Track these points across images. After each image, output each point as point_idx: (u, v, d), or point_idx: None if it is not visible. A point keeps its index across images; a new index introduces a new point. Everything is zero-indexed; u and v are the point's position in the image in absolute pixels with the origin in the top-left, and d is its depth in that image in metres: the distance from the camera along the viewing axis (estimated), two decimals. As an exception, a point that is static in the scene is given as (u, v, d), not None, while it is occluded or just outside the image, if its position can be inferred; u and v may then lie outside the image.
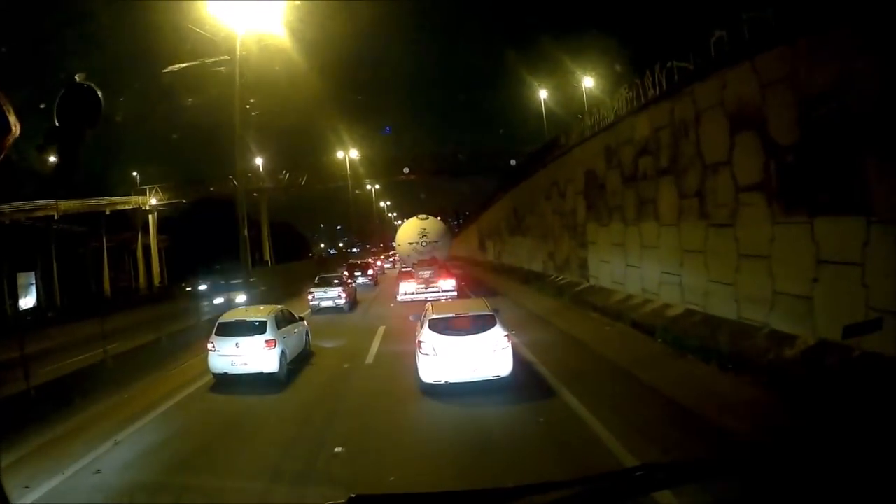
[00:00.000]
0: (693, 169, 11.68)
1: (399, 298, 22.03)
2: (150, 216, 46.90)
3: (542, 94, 36.18)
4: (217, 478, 6.60)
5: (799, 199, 8.68)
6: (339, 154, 46.27)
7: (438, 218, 29.04)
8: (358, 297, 25.01)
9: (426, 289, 21.79)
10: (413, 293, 21.81)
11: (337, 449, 6.66)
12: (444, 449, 7.01)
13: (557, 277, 23.02)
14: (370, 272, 35.54)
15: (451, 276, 23.06)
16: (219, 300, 23.96)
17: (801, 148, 8.56)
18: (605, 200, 17.24)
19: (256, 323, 10.74)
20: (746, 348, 9.13)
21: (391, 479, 6.05)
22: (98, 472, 6.90)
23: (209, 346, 10.59)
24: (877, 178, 7.12)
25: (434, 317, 9.44)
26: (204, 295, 26.93)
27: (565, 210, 21.97)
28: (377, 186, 62.82)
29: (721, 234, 10.74)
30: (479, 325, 9.20)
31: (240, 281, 25.03)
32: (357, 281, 29.00)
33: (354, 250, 78.66)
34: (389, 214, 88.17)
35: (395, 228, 43.04)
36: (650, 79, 13.28)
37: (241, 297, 22.41)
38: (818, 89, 8.03)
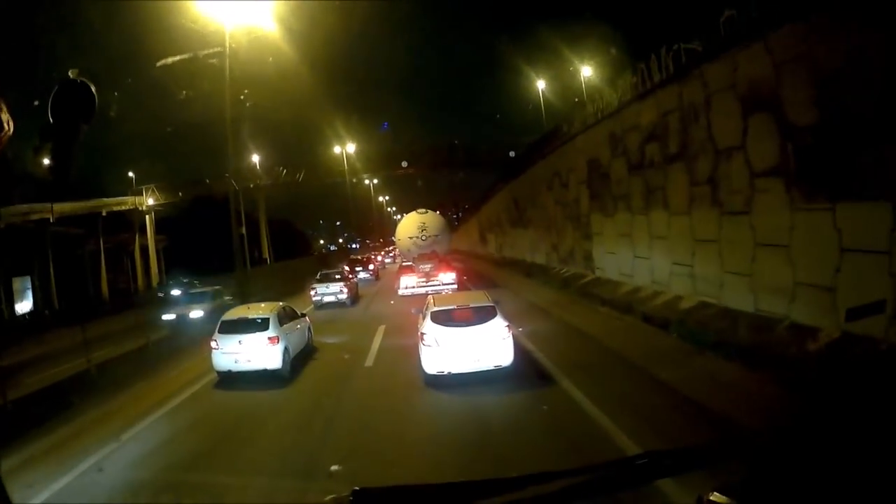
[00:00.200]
0: (704, 155, 11.22)
1: (400, 292, 22.21)
2: (146, 217, 46.52)
3: (540, 84, 36.08)
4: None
5: (819, 184, 8.27)
6: (337, 149, 45.90)
7: (438, 212, 29.13)
8: (360, 291, 25.16)
9: (427, 282, 21.97)
10: (414, 287, 22.04)
11: (333, 467, 6.32)
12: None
13: (561, 270, 22.63)
14: (371, 267, 36.18)
15: (452, 269, 23.20)
16: (169, 316, 19.50)
17: (820, 128, 8.13)
18: (609, 189, 16.79)
19: (259, 320, 10.85)
20: (768, 342, 8.71)
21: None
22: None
23: (212, 343, 10.64)
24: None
25: (436, 309, 9.56)
26: (175, 303, 22.19)
27: (568, 200, 21.54)
28: (376, 181, 62.44)
29: (736, 223, 10.30)
30: (480, 316, 9.33)
31: (213, 288, 21.53)
32: (358, 276, 29.48)
33: (354, 246, 78.37)
34: (389, 209, 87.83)
35: (395, 223, 42.88)
36: (656, 62, 12.77)
37: (196, 313, 18.96)
38: (837, 65, 7.59)
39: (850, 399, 6.32)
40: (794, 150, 8.69)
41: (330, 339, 14.25)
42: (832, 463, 1.94)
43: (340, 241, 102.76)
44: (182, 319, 18.87)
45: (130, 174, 46.50)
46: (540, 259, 26.81)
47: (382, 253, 57.06)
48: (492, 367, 8.96)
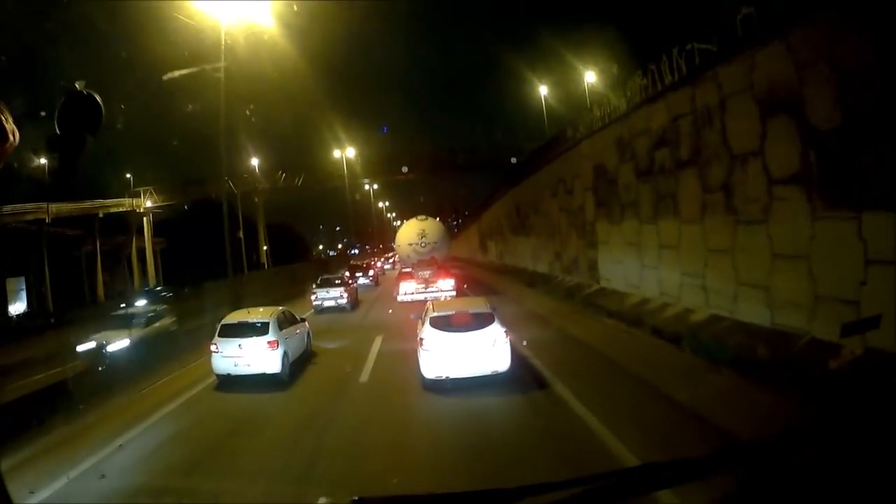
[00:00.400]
0: (718, 160, 10.72)
1: (399, 298, 22.34)
2: (144, 219, 46.14)
3: (543, 90, 35.85)
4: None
5: (843, 192, 7.78)
6: (337, 153, 45.55)
7: (437, 219, 28.86)
8: (360, 297, 25.48)
9: (426, 288, 22.15)
10: (413, 293, 22.22)
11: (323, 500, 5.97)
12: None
13: (565, 279, 22.12)
14: (371, 273, 36.53)
15: (451, 275, 23.39)
16: (86, 345, 13.80)
17: (845, 133, 7.65)
18: (616, 196, 16.27)
19: (259, 324, 10.98)
20: (787, 358, 8.18)
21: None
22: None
23: (212, 347, 10.76)
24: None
25: (435, 314, 9.67)
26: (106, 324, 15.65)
27: (573, 207, 21.03)
28: (375, 186, 62.15)
29: (752, 232, 9.79)
30: (478, 321, 9.44)
31: (150, 308, 17.79)
32: (358, 281, 29.69)
33: (354, 251, 78.02)
34: (388, 215, 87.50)
35: (395, 229, 42.61)
36: (667, 64, 12.29)
37: (118, 342, 13.88)
38: (867, 64, 7.12)
39: (862, 414, 5.84)
40: (817, 155, 8.21)
41: (330, 344, 14.24)
42: (831, 475, 1.91)
43: (340, 246, 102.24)
44: (100, 350, 13.54)
45: (128, 176, 46.22)
46: (542, 268, 26.33)
47: (382, 259, 56.79)
48: (489, 373, 9.06)
